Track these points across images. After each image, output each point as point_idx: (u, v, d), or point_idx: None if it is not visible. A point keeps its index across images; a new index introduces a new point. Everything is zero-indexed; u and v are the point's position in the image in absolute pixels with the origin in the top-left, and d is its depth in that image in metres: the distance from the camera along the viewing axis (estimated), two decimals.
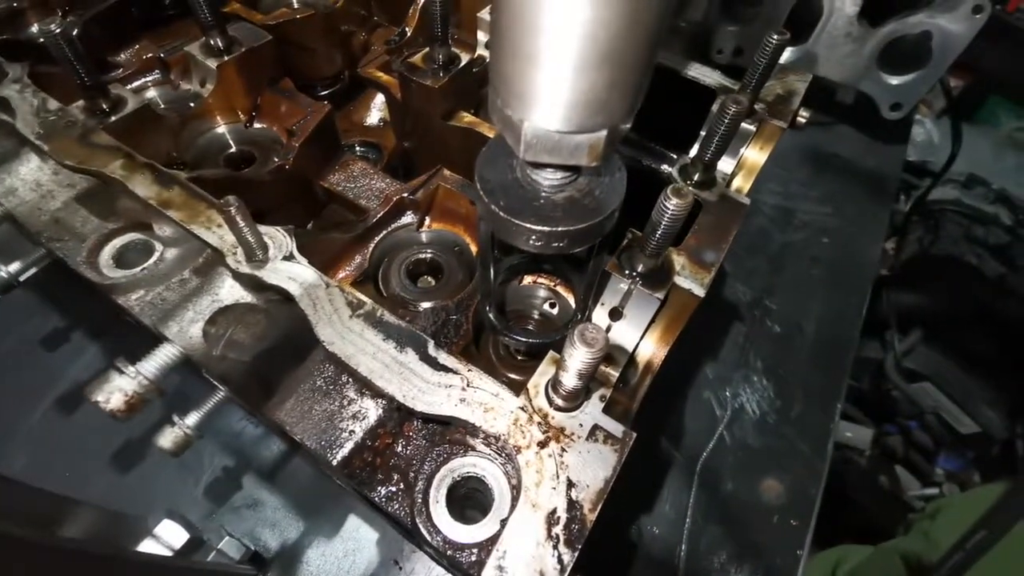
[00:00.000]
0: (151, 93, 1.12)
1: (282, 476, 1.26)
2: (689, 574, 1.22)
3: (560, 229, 0.56)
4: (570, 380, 0.61)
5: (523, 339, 0.85)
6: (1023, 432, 2.59)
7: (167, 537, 0.90)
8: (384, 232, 0.99)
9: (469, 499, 0.73)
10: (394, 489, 0.71)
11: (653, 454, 1.37)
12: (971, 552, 1.54)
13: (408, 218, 1.01)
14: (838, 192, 1.98)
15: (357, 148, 1.32)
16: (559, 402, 0.66)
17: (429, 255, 1.01)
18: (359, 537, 1.19)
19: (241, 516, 1.20)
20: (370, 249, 0.97)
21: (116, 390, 0.73)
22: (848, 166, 2.04)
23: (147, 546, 0.87)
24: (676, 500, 1.31)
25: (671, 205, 0.66)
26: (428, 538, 0.66)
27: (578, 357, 0.57)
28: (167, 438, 1.00)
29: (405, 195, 0.98)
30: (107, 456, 1.23)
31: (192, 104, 1.07)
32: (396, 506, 0.70)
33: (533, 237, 0.57)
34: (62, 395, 1.34)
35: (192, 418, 1.02)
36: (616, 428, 0.66)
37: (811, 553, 1.28)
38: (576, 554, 0.59)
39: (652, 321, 0.79)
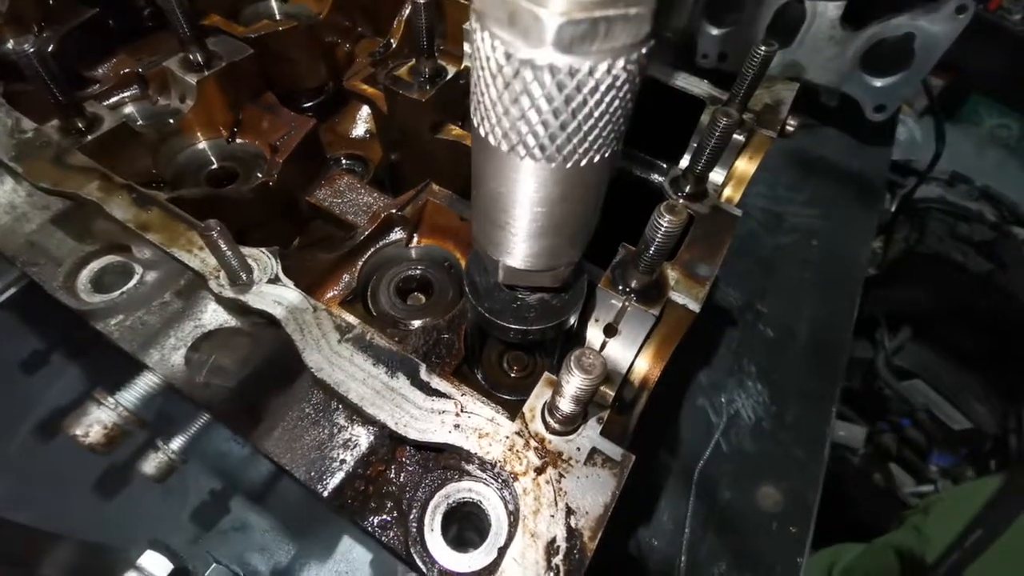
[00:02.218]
0: (128, 109, 1.09)
1: (271, 497, 1.23)
2: None
3: (534, 328, 0.69)
4: (567, 405, 0.60)
5: (508, 397, 0.89)
6: (1015, 427, 2.62)
7: (151, 568, 0.87)
8: (372, 249, 0.97)
9: (465, 521, 0.71)
10: (388, 518, 0.69)
11: (650, 464, 1.36)
12: (968, 551, 1.55)
13: (397, 234, 0.99)
14: (826, 195, 1.98)
15: (343, 161, 1.29)
16: (556, 426, 0.65)
17: (419, 272, 0.99)
18: (352, 559, 1.17)
19: (229, 540, 1.16)
20: (358, 267, 0.95)
21: (95, 423, 0.71)
22: (835, 168, 2.06)
23: None
24: (674, 510, 1.30)
25: (665, 222, 0.65)
26: (423, 568, 0.64)
27: (575, 384, 0.55)
28: (151, 464, 0.97)
29: (393, 211, 0.96)
30: (89, 483, 1.20)
31: (171, 120, 1.04)
32: (390, 535, 0.68)
33: (511, 333, 0.70)
34: (41, 420, 1.30)
35: (176, 442, 0.99)
36: (614, 451, 0.65)
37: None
38: None
39: (647, 338, 0.77)
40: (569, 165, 0.46)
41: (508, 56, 0.39)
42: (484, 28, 0.39)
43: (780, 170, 2.03)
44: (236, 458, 1.25)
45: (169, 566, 0.87)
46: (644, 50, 0.39)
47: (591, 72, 0.38)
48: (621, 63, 0.38)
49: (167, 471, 0.97)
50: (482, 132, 0.47)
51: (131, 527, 1.15)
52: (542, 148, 0.44)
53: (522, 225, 0.53)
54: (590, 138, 0.44)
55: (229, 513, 1.20)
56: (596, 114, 0.42)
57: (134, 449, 1.08)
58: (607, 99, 0.41)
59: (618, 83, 0.40)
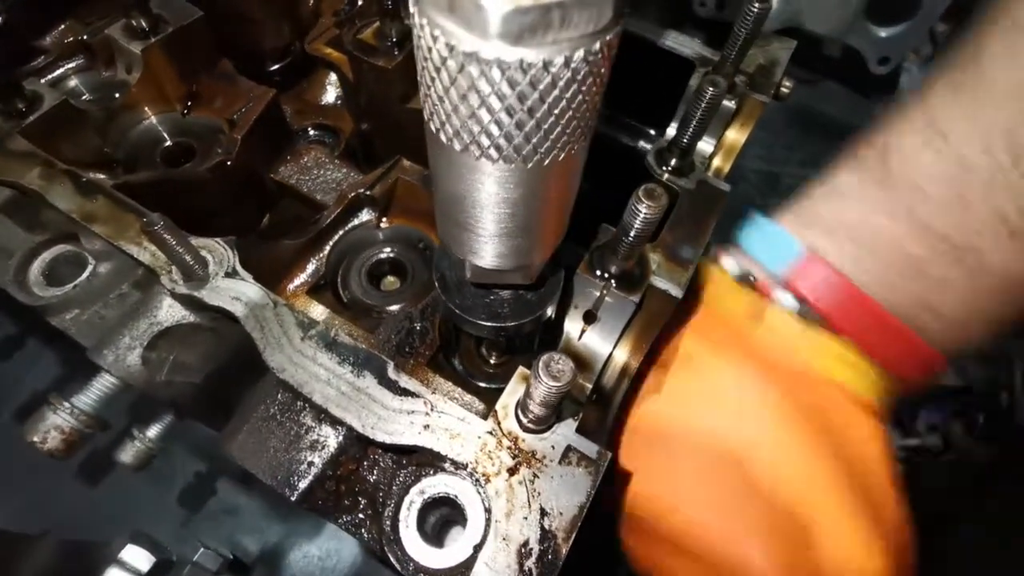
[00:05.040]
0: (73, 82, 1.00)
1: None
2: None
3: (508, 324, 0.65)
4: (537, 408, 0.57)
5: (486, 385, 0.86)
6: (1006, 383, 2.64)
7: (133, 563, 0.86)
8: (340, 233, 0.92)
9: (443, 513, 0.70)
10: (361, 516, 0.68)
11: None
12: None
13: (365, 215, 0.94)
14: (825, 154, 1.89)
15: (311, 132, 1.21)
16: (528, 424, 0.62)
17: (390, 254, 0.94)
18: (341, 535, 1.18)
19: (219, 522, 1.17)
20: (326, 253, 0.90)
21: (52, 428, 0.68)
22: (834, 125, 1.97)
23: (112, 575, 0.83)
24: None
25: (643, 208, 0.60)
26: (399, 567, 0.64)
27: (543, 389, 0.53)
28: (128, 452, 0.95)
29: (361, 191, 0.90)
30: (72, 469, 1.19)
31: (117, 94, 0.96)
32: (364, 533, 0.67)
33: (484, 331, 0.67)
34: (21, 406, 1.28)
35: (153, 430, 0.97)
36: (590, 449, 0.63)
37: None
38: None
39: (627, 325, 0.74)
40: (530, 166, 0.41)
41: (450, 48, 0.33)
42: (423, 14, 0.34)
43: (778, 128, 1.95)
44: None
45: (151, 559, 0.87)
46: (608, 37, 0.34)
47: (546, 67, 0.33)
48: (580, 55, 0.33)
49: (145, 459, 0.96)
50: (432, 128, 0.42)
51: (119, 515, 1.15)
52: (498, 148, 0.39)
53: (486, 226, 0.49)
54: (551, 137, 0.39)
55: (216, 495, 1.20)
56: (556, 112, 0.36)
57: (117, 433, 1.07)
58: (568, 95, 0.35)
59: (579, 76, 0.35)
